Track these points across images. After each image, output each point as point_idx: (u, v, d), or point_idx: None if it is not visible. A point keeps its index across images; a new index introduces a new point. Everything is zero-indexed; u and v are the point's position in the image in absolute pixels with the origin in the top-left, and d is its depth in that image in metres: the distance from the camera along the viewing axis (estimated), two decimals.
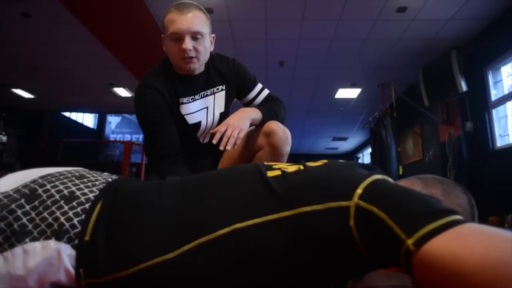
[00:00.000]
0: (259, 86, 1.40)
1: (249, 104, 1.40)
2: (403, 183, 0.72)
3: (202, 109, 1.31)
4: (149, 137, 1.26)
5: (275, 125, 1.24)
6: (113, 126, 10.73)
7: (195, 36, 1.15)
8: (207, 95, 1.31)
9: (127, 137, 10.18)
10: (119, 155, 9.09)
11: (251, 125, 1.22)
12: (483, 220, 3.22)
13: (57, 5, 3.55)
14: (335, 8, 3.69)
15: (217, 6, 3.67)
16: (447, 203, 0.64)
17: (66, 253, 0.56)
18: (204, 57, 1.22)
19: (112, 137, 10.52)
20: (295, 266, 0.55)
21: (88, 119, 9.63)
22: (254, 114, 1.22)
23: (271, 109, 1.30)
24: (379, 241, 0.50)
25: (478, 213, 0.68)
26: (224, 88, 1.33)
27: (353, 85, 5.90)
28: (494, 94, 3.95)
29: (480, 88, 4.05)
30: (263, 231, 0.55)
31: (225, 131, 1.10)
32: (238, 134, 1.10)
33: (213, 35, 1.26)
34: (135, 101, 1.26)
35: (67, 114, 8.66)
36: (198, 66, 1.22)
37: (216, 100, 1.33)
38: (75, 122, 9.03)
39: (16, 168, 6.84)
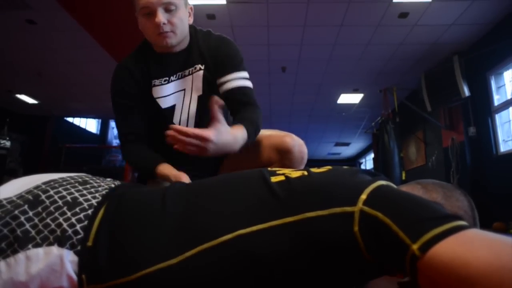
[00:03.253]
0: (242, 74, 1.17)
1: (220, 86, 1.17)
2: (403, 188, 0.71)
3: (179, 91, 1.18)
4: (116, 119, 1.19)
5: (291, 142, 1.10)
6: (115, 131, 10.77)
7: (167, 8, 1.05)
8: (184, 76, 1.18)
9: None
10: (122, 160, 9.11)
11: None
12: (487, 225, 3.20)
13: (62, 12, 3.58)
14: (337, 14, 3.71)
15: (220, 12, 3.69)
16: (448, 207, 0.64)
17: (69, 259, 0.55)
18: (181, 30, 1.10)
19: (115, 142, 10.55)
20: (298, 272, 0.55)
21: (91, 125, 9.67)
22: (242, 141, 0.97)
23: (256, 127, 1.07)
24: (384, 247, 0.50)
25: (482, 219, 0.68)
26: (202, 67, 1.17)
27: (355, 90, 5.91)
28: (497, 99, 3.94)
29: (482, 93, 4.05)
30: (266, 237, 0.55)
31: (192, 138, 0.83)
32: (200, 150, 0.85)
33: (190, 6, 1.16)
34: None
35: (70, 119, 8.70)
36: (176, 41, 1.11)
37: (194, 81, 1.18)
38: (78, 127, 9.06)
39: (19, 173, 6.87)
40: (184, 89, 1.18)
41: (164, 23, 1.05)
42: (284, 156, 1.10)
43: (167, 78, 1.17)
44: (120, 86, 1.16)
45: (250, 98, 1.15)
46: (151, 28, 1.07)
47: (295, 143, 1.11)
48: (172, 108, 1.18)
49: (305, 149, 1.13)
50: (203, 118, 1.20)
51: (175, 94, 1.18)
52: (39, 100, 6.76)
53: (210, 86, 1.18)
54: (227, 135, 0.90)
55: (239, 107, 1.13)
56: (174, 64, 1.17)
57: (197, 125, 1.21)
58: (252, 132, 1.03)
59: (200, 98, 1.19)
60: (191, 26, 1.19)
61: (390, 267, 0.53)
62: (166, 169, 1.11)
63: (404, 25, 3.89)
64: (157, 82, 1.16)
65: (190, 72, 1.17)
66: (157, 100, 1.17)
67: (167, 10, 1.05)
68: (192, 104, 1.19)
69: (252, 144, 1.10)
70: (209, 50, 1.17)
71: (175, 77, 1.18)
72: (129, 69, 1.15)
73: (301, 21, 3.87)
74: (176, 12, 1.07)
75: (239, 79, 1.15)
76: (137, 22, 1.12)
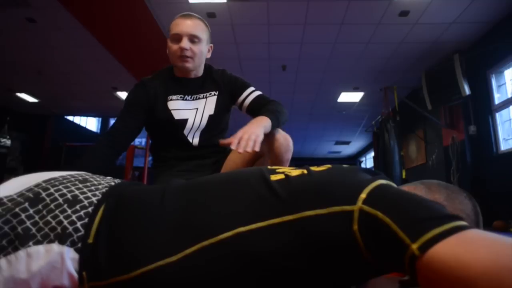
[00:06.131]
0: (251, 88, 1.45)
1: (241, 104, 1.44)
2: (406, 187, 0.71)
3: (192, 109, 1.40)
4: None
5: (276, 132, 1.27)
6: None
7: (192, 39, 1.30)
8: (199, 98, 1.41)
9: None
10: (122, 159, 9.07)
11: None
12: (487, 224, 3.20)
13: (62, 10, 3.58)
14: (337, 12, 3.70)
15: (220, 11, 3.69)
16: (450, 209, 0.64)
17: (69, 256, 0.56)
18: (199, 59, 1.35)
19: None
20: (298, 271, 0.55)
21: (91, 123, 9.66)
22: (266, 122, 1.21)
23: (276, 114, 1.28)
24: (383, 246, 0.50)
25: (482, 217, 0.68)
26: (216, 94, 1.43)
27: (355, 89, 5.90)
28: (498, 98, 3.93)
29: (483, 92, 4.04)
30: (266, 235, 0.55)
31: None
32: (255, 138, 1.08)
33: (211, 45, 1.41)
34: None
35: (70, 118, 8.69)
36: (193, 66, 1.34)
37: (207, 104, 1.42)
38: (79, 126, 9.06)
39: (19, 172, 6.87)
40: (197, 108, 1.40)
41: (186, 49, 1.29)
42: (272, 144, 1.26)
43: (183, 96, 1.39)
44: (133, 95, 1.37)
45: (266, 99, 1.42)
46: (176, 51, 1.30)
47: (280, 132, 1.29)
48: (184, 121, 1.38)
49: (290, 138, 1.30)
50: (210, 132, 1.42)
51: (189, 111, 1.39)
52: (39, 98, 6.75)
53: (221, 108, 1.43)
54: (249, 124, 1.14)
55: (262, 109, 1.35)
56: (189, 87, 1.40)
57: (203, 137, 1.42)
58: (273, 119, 1.23)
59: (210, 117, 1.41)
60: (207, 64, 1.45)
61: (389, 266, 0.53)
62: None
63: (405, 23, 3.88)
64: (174, 97, 1.38)
65: (205, 96, 1.42)
66: (172, 111, 1.36)
67: (192, 40, 1.30)
68: (203, 120, 1.39)
69: (278, 126, 1.28)
70: (224, 82, 1.44)
71: (190, 98, 1.40)
72: (146, 86, 1.36)
73: (302, 19, 3.86)
74: (198, 44, 1.32)
75: (252, 92, 1.44)
76: (166, 45, 1.36)
